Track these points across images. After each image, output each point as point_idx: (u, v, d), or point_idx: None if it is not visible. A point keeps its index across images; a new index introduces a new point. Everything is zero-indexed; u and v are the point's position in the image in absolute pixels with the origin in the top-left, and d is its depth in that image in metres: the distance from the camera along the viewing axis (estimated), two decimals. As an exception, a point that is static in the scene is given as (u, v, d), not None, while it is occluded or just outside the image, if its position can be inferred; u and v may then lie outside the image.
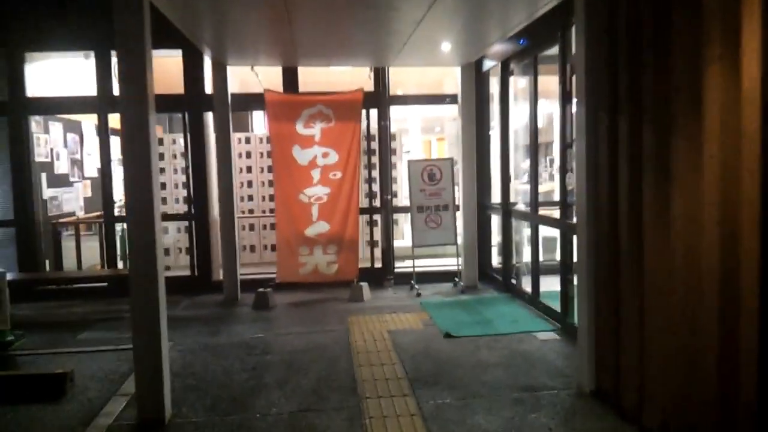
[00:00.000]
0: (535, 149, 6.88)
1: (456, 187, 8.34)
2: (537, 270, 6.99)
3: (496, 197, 8.63)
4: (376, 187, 9.12)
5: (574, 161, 4.76)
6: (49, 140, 9.19)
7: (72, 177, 9.84)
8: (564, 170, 6.01)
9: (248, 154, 10.45)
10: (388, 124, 8.56)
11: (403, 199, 10.47)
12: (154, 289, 4.26)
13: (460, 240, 8.35)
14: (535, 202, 6.90)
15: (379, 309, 7.38)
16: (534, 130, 6.85)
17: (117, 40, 4.08)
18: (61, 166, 9.54)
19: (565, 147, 5.95)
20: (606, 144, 4.17)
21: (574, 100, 5.02)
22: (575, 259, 5.16)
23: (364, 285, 7.90)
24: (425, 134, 17.70)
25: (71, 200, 9.77)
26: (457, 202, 8.38)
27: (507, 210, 7.85)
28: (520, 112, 7.90)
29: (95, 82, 8.29)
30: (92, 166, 10.58)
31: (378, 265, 8.85)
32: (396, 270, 8.75)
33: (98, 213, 9.36)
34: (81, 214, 10.01)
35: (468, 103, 8.23)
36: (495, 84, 8.51)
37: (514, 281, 7.90)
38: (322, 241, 8.16)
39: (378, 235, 9.14)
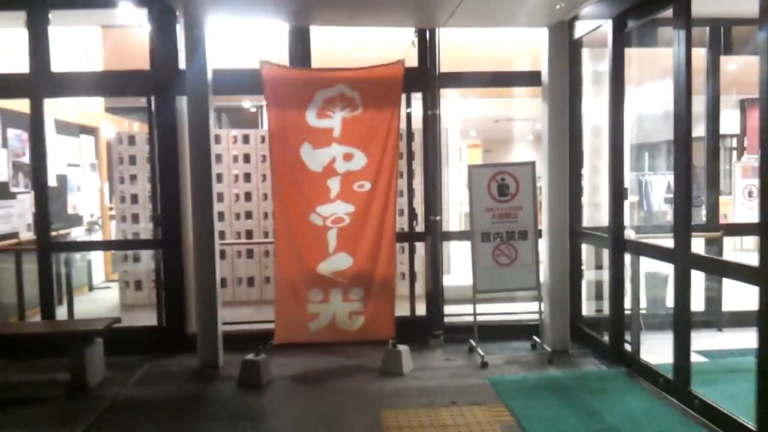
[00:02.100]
0: (685, 149, 4.28)
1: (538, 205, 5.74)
2: (685, 339, 4.35)
3: (587, 220, 6.04)
4: (417, 204, 6.54)
5: None
6: (-27, 136, 6.76)
7: (14, 186, 7.40)
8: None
9: (246, 158, 7.94)
10: (438, 114, 5.99)
11: (449, 221, 7.87)
12: None
13: (541, 277, 5.74)
14: (685, 231, 4.28)
15: (429, 394, 4.80)
16: (683, 120, 4.25)
17: None
18: (-5, 173, 7.11)
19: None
20: None
21: None
22: None
23: (404, 349, 5.32)
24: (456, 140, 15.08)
25: (11, 217, 7.32)
26: (539, 226, 5.78)
27: (619, 240, 5.21)
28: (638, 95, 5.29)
29: (27, 55, 5.85)
30: (50, 171, 8.15)
31: (420, 311, 6.26)
32: (446, 319, 6.15)
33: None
34: (29, 235, 7.55)
35: (559, 83, 5.64)
36: (592, 56, 5.94)
37: (628, 346, 5.27)
38: (342, 282, 5.62)
39: (419, 270, 6.56)
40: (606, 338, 5.59)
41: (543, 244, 5.71)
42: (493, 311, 6.35)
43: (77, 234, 9.15)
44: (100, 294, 9.00)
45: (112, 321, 5.28)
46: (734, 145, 15.42)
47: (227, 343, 5.71)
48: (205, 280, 5.53)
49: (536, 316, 6.00)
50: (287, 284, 5.60)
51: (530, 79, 5.96)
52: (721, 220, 6.95)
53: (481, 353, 5.50)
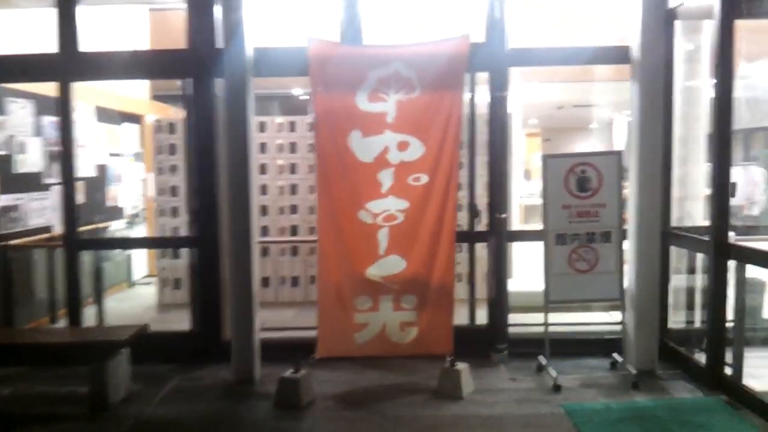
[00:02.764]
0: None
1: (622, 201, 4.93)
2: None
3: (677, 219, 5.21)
4: (479, 199, 5.80)
5: None
6: (4, 124, 6.36)
7: (48, 177, 6.99)
8: None
9: (293, 147, 7.34)
10: (506, 97, 5.23)
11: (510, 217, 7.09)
12: None
13: (625, 284, 4.94)
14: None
15: (494, 425, 4.10)
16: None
17: None
18: (28, 162, 6.71)
19: None
20: None
21: None
22: None
23: (463, 369, 4.62)
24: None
25: (45, 210, 6.92)
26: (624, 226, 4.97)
27: (722, 244, 4.37)
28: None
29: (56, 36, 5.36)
30: (89, 161, 7.78)
31: (480, 321, 5.55)
32: (510, 329, 5.41)
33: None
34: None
35: (652, 60, 4.81)
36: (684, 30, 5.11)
37: (728, 369, 4.44)
38: (393, 288, 4.95)
39: (480, 275, 5.83)
40: (700, 357, 4.78)
41: (628, 248, 4.89)
42: (565, 321, 5.59)
43: (117, 227, 8.76)
44: (140, 291, 8.57)
45: (138, 330, 4.72)
46: None
47: (266, 352, 5.13)
48: (241, 283, 4.95)
49: (616, 328, 5.22)
50: (332, 290, 4.96)
51: (616, 55, 5.12)
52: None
53: (553, 374, 4.75)
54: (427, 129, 4.89)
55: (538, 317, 5.44)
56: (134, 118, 9.14)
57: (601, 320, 5.67)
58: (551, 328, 4.99)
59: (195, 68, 5.25)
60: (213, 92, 5.24)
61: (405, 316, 4.98)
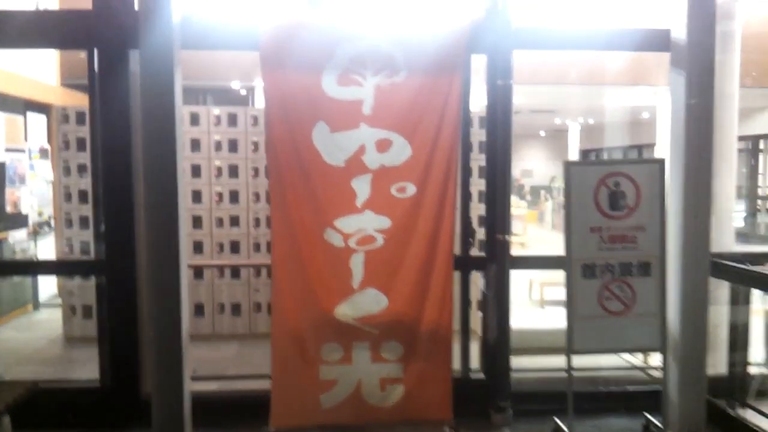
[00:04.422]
0: None
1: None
2: None
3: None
4: (474, 216, 4.65)
5: None
6: None
7: None
8: None
9: (233, 145, 6.02)
10: (511, 87, 4.09)
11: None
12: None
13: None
14: None
15: None
16: None
17: None
18: None
19: None
20: None
21: None
22: None
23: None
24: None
25: None
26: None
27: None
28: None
29: None
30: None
31: (475, 371, 4.41)
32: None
33: None
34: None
35: (702, 46, 3.72)
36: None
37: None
38: (371, 332, 3.75)
39: (472, 310, 4.69)
40: (764, 423, 3.78)
41: (670, 282, 3.82)
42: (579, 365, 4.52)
43: (20, 238, 7.25)
44: (47, 316, 7.08)
45: (22, 391, 3.40)
46: None
47: (201, 413, 3.83)
48: (164, 321, 3.62)
49: (637, 374, 4.19)
50: (289, 336, 3.72)
51: (652, 39, 4.05)
52: None
53: (577, 445, 3.64)
54: (416, 124, 3.72)
55: (541, 361, 4.39)
56: (41, 108, 7.61)
57: (619, 364, 4.64)
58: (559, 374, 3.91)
59: (103, 35, 3.91)
60: (128, 68, 3.92)
61: (387, 370, 3.78)
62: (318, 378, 3.73)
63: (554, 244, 14.14)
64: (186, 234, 3.72)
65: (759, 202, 14.74)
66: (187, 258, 3.77)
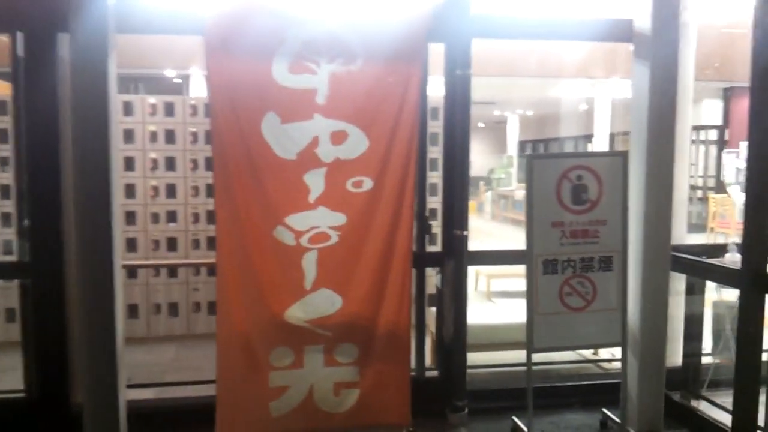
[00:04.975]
0: None
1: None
2: None
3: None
4: (431, 211, 4.49)
5: None
6: None
7: None
8: None
9: (170, 136, 5.67)
10: (470, 76, 3.95)
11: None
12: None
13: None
14: None
15: None
16: None
17: None
18: None
19: None
20: None
21: None
22: None
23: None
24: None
25: None
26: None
27: (760, 275, 3.35)
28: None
29: None
30: None
31: (430, 371, 4.28)
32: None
33: None
34: None
35: (666, 35, 3.66)
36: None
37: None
38: (324, 335, 3.54)
39: (427, 309, 4.54)
40: (716, 413, 3.79)
41: (630, 276, 3.77)
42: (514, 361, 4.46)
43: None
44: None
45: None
46: None
47: (137, 425, 3.56)
48: (94, 325, 3.33)
49: (590, 368, 4.15)
50: (235, 341, 3.46)
51: (614, 29, 3.99)
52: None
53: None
54: (373, 115, 3.53)
55: (494, 357, 4.31)
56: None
57: (572, 357, 4.60)
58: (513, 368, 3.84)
59: (29, 17, 3.53)
60: (56, 53, 3.56)
61: (341, 373, 3.59)
62: (267, 385, 3.49)
63: (496, 236, 14.26)
64: (121, 231, 3.41)
65: (689, 191, 15.23)
66: (120, 257, 3.47)
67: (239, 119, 3.37)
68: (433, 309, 4.45)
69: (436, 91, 4.15)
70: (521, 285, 3.72)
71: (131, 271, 5.59)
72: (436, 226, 4.40)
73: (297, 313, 3.50)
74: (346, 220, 3.52)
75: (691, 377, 4.23)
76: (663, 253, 3.74)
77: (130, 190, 5.54)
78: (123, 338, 3.47)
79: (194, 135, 5.64)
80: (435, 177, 4.99)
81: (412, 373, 4.10)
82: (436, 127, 4.81)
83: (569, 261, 3.61)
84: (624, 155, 3.66)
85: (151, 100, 5.60)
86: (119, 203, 3.50)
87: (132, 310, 5.64)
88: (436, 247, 4.38)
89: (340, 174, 3.49)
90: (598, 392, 4.21)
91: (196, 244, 5.71)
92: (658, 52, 3.67)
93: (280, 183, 3.44)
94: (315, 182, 3.47)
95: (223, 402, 3.45)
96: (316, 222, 3.49)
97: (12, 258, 4.80)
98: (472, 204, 18.47)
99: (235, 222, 3.41)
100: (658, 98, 3.67)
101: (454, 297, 4.02)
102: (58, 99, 3.57)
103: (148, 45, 8.84)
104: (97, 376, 3.38)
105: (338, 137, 3.48)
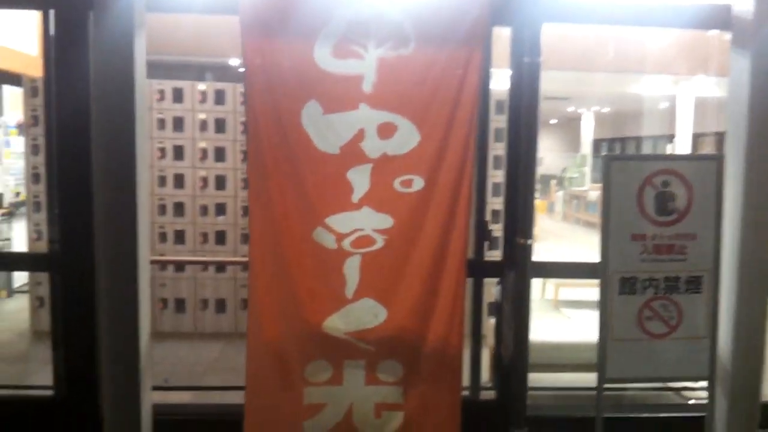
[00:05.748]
0: None
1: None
2: None
3: None
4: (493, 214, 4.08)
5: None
6: None
7: None
8: None
9: (220, 125, 5.44)
10: (538, 63, 3.49)
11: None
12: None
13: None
14: None
15: None
16: None
17: None
18: None
19: None
20: None
21: None
22: None
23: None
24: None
25: None
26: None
27: None
28: None
29: None
30: None
31: (486, 389, 3.85)
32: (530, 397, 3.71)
33: None
34: None
35: None
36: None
37: None
38: (367, 349, 3.18)
39: (485, 322, 4.12)
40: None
41: (722, 300, 3.24)
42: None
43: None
44: (19, 304, 6.53)
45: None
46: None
47: (166, 430, 3.31)
48: (118, 324, 3.08)
49: (674, 399, 3.63)
50: (267, 352, 3.16)
51: (707, 16, 3.45)
52: None
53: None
54: (426, 106, 3.13)
55: (558, 378, 3.85)
56: (13, 78, 7.03)
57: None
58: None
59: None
60: (88, 33, 3.32)
61: (384, 393, 3.22)
62: (301, 401, 3.17)
63: (566, 238, 13.60)
64: (149, 223, 3.16)
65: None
66: (148, 250, 3.22)
67: (277, 108, 3.05)
68: (492, 320, 4.03)
69: (502, 84, 3.73)
70: (595, 295, 3.26)
71: (179, 266, 5.42)
72: (499, 230, 3.97)
73: (337, 323, 3.16)
74: (393, 223, 3.14)
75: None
76: (763, 273, 3.19)
77: (178, 181, 5.35)
78: (149, 339, 3.21)
79: (245, 124, 5.38)
80: (500, 176, 4.56)
81: (465, 393, 3.71)
82: (501, 122, 4.37)
83: (651, 280, 3.11)
84: (719, 159, 3.12)
85: (201, 87, 5.38)
86: (147, 193, 3.25)
87: (179, 305, 5.46)
88: (498, 254, 3.94)
89: (387, 171, 3.12)
90: (678, 426, 3.70)
91: (245, 238, 5.47)
92: (762, 40, 3.11)
93: (320, 180, 3.10)
94: (359, 180, 3.11)
95: (251, 419, 3.16)
96: (359, 224, 3.13)
97: (42, 249, 4.66)
98: (542, 204, 17.80)
99: (270, 221, 3.10)
100: (760, 93, 3.11)
101: (515, 313, 3.57)
102: (90, 81, 3.33)
103: (217, 32, 8.72)
104: (119, 377, 3.14)
105: (386, 130, 3.11)
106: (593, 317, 3.43)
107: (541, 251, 3.63)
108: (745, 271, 3.17)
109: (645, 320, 3.13)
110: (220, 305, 5.49)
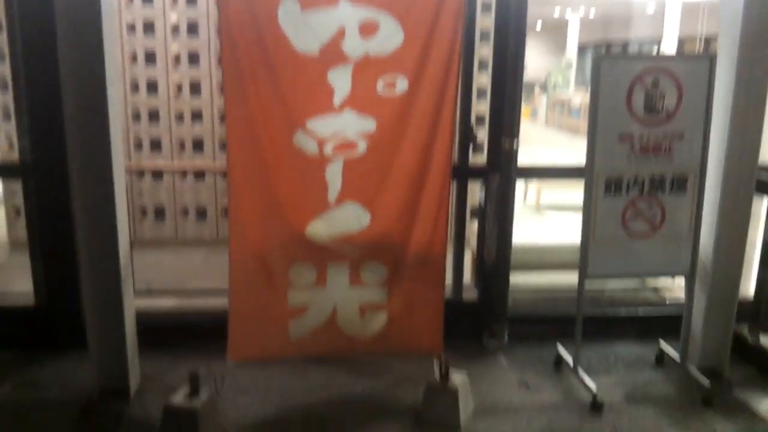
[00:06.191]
0: None
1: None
2: None
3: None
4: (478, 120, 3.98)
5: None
6: None
7: None
8: None
9: (193, 28, 5.19)
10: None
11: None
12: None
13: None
14: None
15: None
16: None
17: None
18: None
19: None
20: None
21: None
22: None
23: (461, 384, 2.96)
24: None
25: None
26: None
27: None
28: None
29: None
30: None
31: (469, 292, 3.90)
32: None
33: None
34: None
35: None
36: None
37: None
38: (350, 252, 3.18)
39: (468, 226, 4.15)
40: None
41: (707, 199, 3.24)
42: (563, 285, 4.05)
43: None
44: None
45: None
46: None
47: (155, 334, 3.35)
48: (94, 230, 3.03)
49: (652, 297, 3.74)
50: (250, 257, 3.15)
51: None
52: None
53: (590, 384, 3.18)
54: (410, 2, 2.98)
55: (539, 279, 3.93)
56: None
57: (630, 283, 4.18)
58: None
59: None
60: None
61: (368, 294, 3.26)
62: (286, 305, 3.20)
63: (550, 143, 13.56)
64: (122, 127, 3.05)
65: None
66: (122, 155, 3.13)
67: (252, 6, 2.89)
68: (475, 223, 4.04)
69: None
70: (578, 198, 3.25)
71: (157, 174, 5.32)
72: (484, 135, 3.90)
73: (320, 229, 3.14)
74: (375, 127, 3.07)
75: (763, 311, 3.75)
76: (748, 174, 3.19)
77: (151, 87, 5.16)
78: (128, 243, 3.17)
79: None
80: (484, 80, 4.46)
81: (449, 296, 3.77)
82: (487, 22, 4.22)
83: (636, 180, 3.10)
84: (711, 59, 3.04)
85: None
86: (120, 96, 3.12)
87: (159, 214, 5.41)
88: (483, 159, 3.90)
89: (369, 72, 3.01)
90: (655, 323, 3.81)
91: (224, 146, 5.34)
92: None
93: (299, 82, 2.99)
94: (340, 82, 3.00)
95: (236, 321, 3.18)
96: (341, 128, 3.05)
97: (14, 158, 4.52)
98: (526, 109, 17.64)
99: (249, 126, 3.00)
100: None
101: (499, 215, 3.58)
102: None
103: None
104: (99, 284, 3.11)
105: (368, 28, 2.97)
106: (575, 219, 3.44)
107: (525, 156, 3.57)
108: (731, 171, 3.17)
109: (628, 220, 3.14)
110: (201, 213, 5.44)
